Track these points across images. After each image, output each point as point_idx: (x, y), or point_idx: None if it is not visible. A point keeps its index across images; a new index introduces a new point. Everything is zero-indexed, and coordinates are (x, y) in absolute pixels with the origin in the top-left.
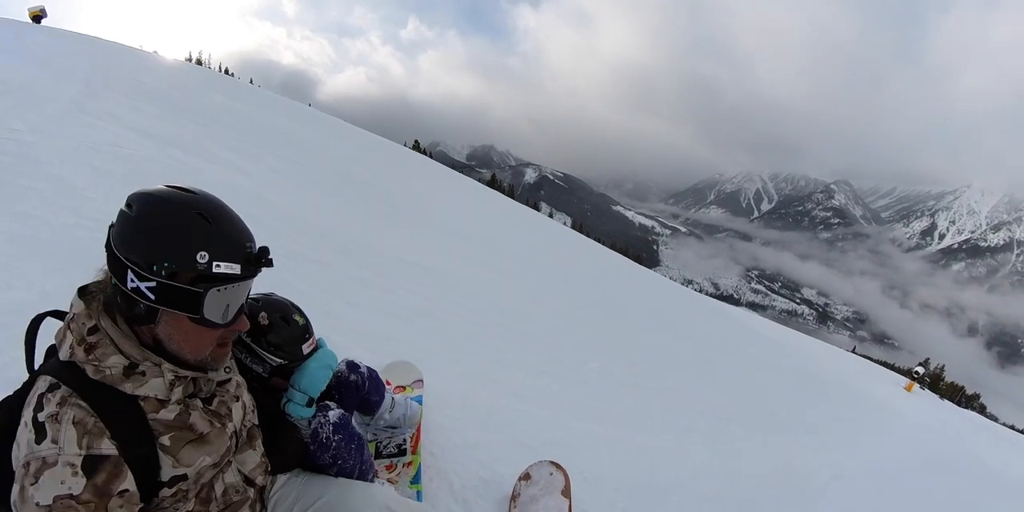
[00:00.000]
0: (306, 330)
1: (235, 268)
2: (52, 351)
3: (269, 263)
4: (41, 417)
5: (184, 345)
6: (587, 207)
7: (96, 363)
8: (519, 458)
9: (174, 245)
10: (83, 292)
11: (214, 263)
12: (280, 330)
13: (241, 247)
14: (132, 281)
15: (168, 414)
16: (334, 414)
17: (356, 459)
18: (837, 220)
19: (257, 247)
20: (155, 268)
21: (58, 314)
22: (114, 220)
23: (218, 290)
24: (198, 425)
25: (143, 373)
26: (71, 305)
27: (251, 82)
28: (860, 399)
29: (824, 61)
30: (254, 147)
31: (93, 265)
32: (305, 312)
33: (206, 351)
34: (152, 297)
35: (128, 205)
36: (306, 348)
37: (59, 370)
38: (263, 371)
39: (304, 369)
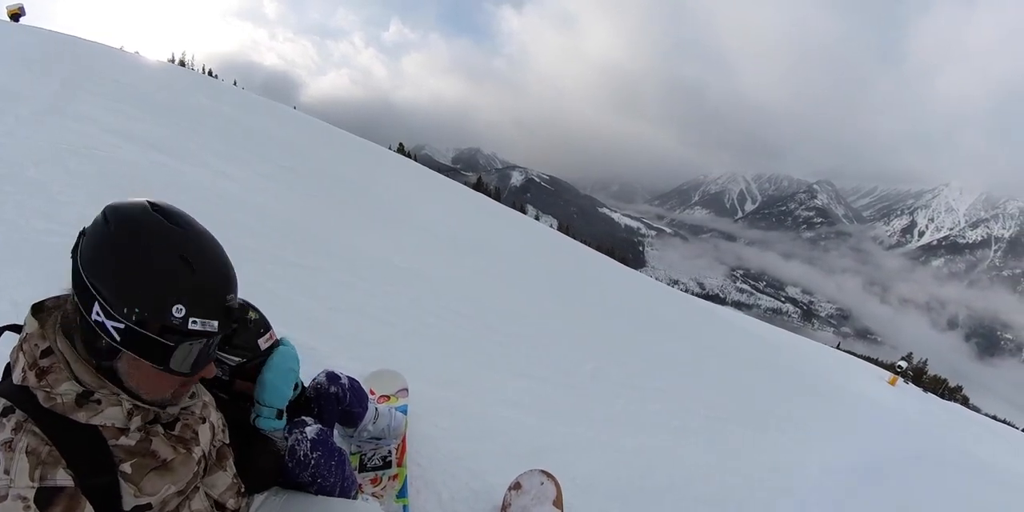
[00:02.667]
0: (261, 325)
1: (212, 325)
2: (9, 369)
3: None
4: None
5: (142, 386)
6: (573, 209)
7: (48, 390)
8: (510, 467)
9: (149, 292)
10: (38, 309)
11: (191, 319)
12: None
13: (221, 301)
14: (97, 315)
15: (129, 441)
16: (312, 430)
17: (337, 476)
18: (820, 219)
19: (236, 300)
20: (125, 311)
21: (16, 328)
22: (86, 227)
23: (190, 344)
24: (161, 452)
25: (98, 401)
26: (24, 323)
27: (235, 84)
28: (846, 394)
29: (806, 63)
30: (238, 150)
31: (67, 274)
32: (292, 319)
33: (165, 394)
34: (117, 338)
35: (105, 218)
36: (263, 343)
37: (13, 393)
38: (223, 373)
39: (262, 382)
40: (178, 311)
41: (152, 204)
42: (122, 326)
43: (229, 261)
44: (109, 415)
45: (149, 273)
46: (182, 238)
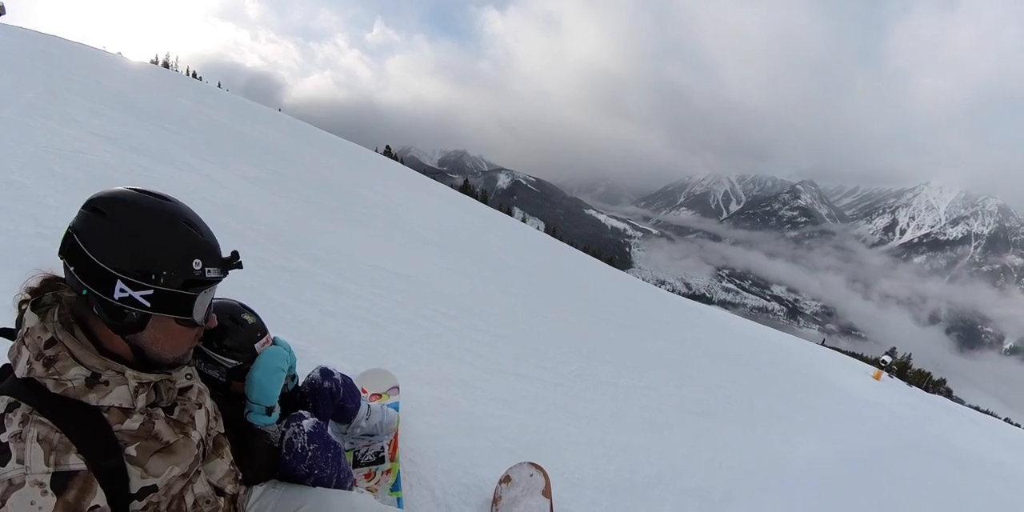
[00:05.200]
0: (258, 329)
1: (218, 272)
2: (6, 370)
3: (240, 265)
4: (4, 438)
5: (167, 346)
6: (560, 211)
7: (57, 377)
8: (500, 462)
9: (172, 255)
10: (36, 305)
11: (207, 269)
12: (231, 331)
13: (219, 251)
14: (123, 291)
15: (133, 424)
16: (308, 423)
17: (333, 468)
18: (803, 219)
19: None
20: (153, 277)
21: (7, 333)
22: (73, 226)
23: (205, 292)
24: (163, 434)
25: (106, 383)
26: (23, 320)
27: (219, 86)
28: (832, 389)
29: (789, 65)
30: (224, 153)
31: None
32: (281, 322)
33: (186, 349)
34: (148, 305)
35: (98, 211)
36: (259, 347)
37: (16, 388)
38: (220, 375)
39: (250, 380)
40: (197, 264)
41: (134, 189)
42: (151, 291)
43: None
44: (117, 394)
45: (168, 239)
46: (178, 208)
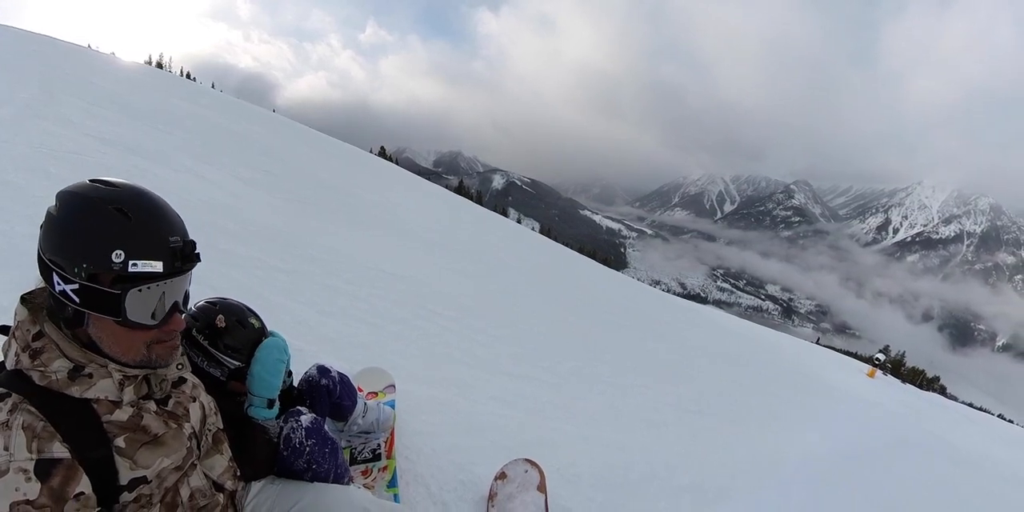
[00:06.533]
0: (262, 333)
1: (156, 266)
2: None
3: (197, 258)
4: None
5: (115, 347)
6: (555, 212)
7: (42, 369)
8: (496, 459)
9: (90, 245)
10: (27, 299)
11: (130, 262)
12: (236, 333)
13: (163, 242)
14: (58, 284)
15: (121, 415)
16: (306, 418)
17: (331, 463)
18: (797, 219)
19: (183, 241)
20: (75, 270)
21: (4, 330)
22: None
23: (139, 290)
24: (152, 426)
25: (90, 375)
26: (15, 313)
27: (212, 86)
28: (827, 388)
29: (783, 65)
30: (219, 154)
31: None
32: (279, 322)
33: (139, 353)
34: (76, 300)
35: (54, 204)
36: None
37: (7, 379)
38: (220, 374)
39: (252, 375)
40: (117, 256)
41: (92, 179)
42: (77, 286)
43: (173, 210)
44: (102, 387)
45: (87, 228)
46: (115, 193)
